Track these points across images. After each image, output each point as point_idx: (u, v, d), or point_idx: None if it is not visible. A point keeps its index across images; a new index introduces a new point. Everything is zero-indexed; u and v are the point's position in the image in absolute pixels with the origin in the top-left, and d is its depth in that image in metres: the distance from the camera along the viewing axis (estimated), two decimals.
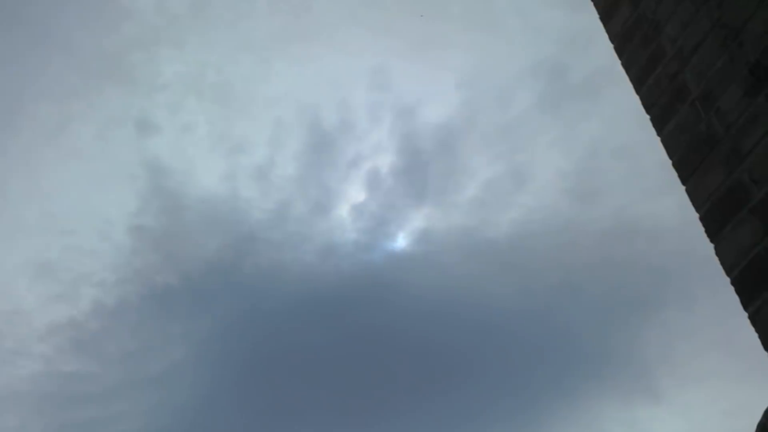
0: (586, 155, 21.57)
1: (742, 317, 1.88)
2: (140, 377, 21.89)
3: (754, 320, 1.76)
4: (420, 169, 23.48)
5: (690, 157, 1.97)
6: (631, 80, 2.17)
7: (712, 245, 1.93)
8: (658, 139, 2.14)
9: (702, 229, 1.99)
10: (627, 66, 2.18)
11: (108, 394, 21.60)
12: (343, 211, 23.53)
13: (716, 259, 1.94)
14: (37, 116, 21.91)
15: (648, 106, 2.11)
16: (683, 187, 2.03)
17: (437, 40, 21.94)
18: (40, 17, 21.15)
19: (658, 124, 2.07)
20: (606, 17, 2.26)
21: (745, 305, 1.79)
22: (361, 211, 23.35)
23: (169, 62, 22.37)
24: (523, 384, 20.90)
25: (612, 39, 2.24)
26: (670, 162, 2.09)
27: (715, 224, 1.89)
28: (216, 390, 21.94)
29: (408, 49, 22.68)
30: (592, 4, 2.37)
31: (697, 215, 1.98)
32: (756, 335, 1.82)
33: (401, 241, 23.57)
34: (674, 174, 2.07)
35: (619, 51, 2.21)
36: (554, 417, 20.30)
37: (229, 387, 22.09)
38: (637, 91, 2.14)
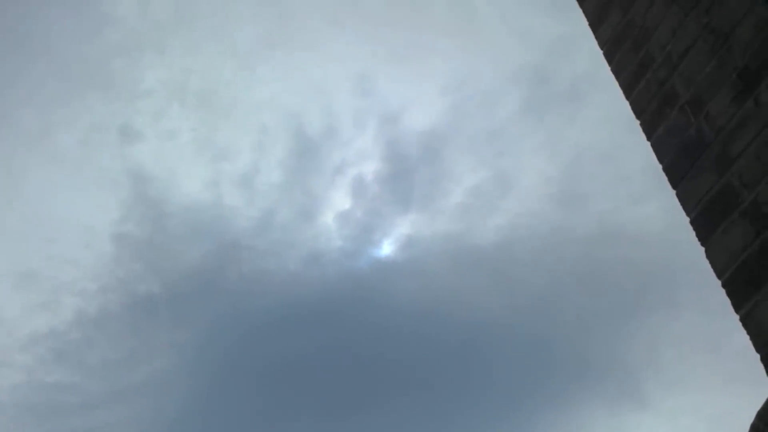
0: (570, 161, 21.70)
1: (727, 321, 1.89)
2: (123, 387, 21.71)
3: (746, 322, 1.78)
4: (405, 176, 23.51)
5: (680, 162, 1.98)
6: (621, 86, 2.18)
7: (696, 249, 1.95)
8: (642, 143, 2.15)
9: (686, 234, 2.01)
10: (617, 72, 2.19)
11: (91, 404, 21.40)
12: (328, 218, 23.48)
13: (701, 263, 1.96)
14: (18, 123, 21.73)
15: (638, 112, 2.12)
16: (667, 192, 2.05)
17: (421, 46, 22.01)
18: (21, 23, 21.00)
19: (648, 129, 2.09)
20: (596, 23, 2.27)
21: (737, 307, 1.80)
22: (346, 218, 23.33)
23: (152, 68, 22.28)
24: (508, 390, 20.93)
25: (602, 45, 2.25)
26: (653, 167, 2.11)
27: (705, 228, 1.90)
28: (200, 398, 21.80)
29: (392, 55, 22.74)
30: (575, 9, 2.39)
31: (682, 219, 2.00)
32: (743, 339, 1.83)
33: (387, 248, 23.57)
34: (658, 179, 2.09)
35: (609, 57, 2.22)
36: (541, 423, 20.34)
37: (213, 395, 21.95)
38: (627, 97, 2.16)
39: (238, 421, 21.55)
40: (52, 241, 22.26)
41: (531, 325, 20.79)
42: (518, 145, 22.17)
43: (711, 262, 1.89)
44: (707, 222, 1.89)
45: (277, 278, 22.61)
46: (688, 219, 1.98)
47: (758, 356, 1.78)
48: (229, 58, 22.85)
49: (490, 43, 21.52)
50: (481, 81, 22.10)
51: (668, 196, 2.13)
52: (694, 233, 1.97)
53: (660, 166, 2.08)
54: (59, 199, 22.62)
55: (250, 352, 22.33)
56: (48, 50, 21.30)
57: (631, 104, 2.15)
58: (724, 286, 1.84)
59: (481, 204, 22.37)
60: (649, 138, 2.09)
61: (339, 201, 23.48)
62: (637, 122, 2.16)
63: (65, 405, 21.33)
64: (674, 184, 2.01)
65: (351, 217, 23.29)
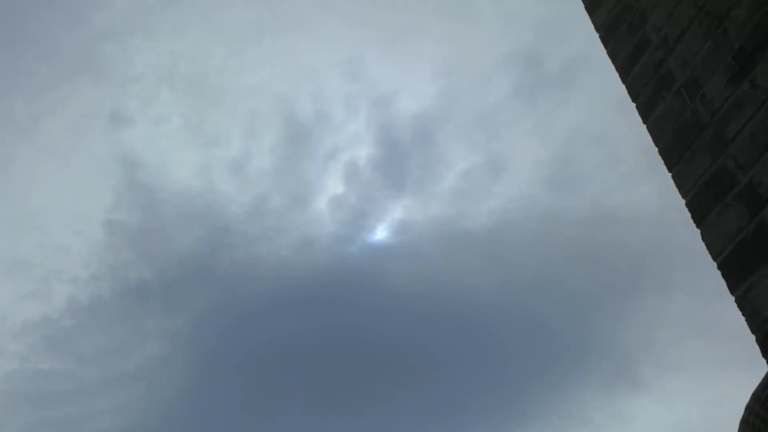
0: (562, 144, 21.71)
1: (722, 303, 1.91)
2: (116, 374, 21.72)
3: (741, 304, 1.79)
4: (398, 160, 23.47)
5: (676, 144, 1.99)
6: (617, 69, 2.18)
7: (689, 231, 1.96)
8: (634, 126, 2.16)
9: (679, 215, 2.02)
10: (613, 55, 2.20)
11: (84, 391, 21.42)
12: (321, 203, 23.45)
13: (694, 245, 1.97)
14: (8, 111, 21.57)
15: (634, 95, 2.13)
16: (659, 174, 2.06)
17: (412, 29, 21.93)
18: (9, 10, 20.79)
19: (644, 112, 2.09)
20: (592, 7, 2.27)
21: (732, 289, 1.82)
22: (339, 203, 23.30)
23: (142, 53, 22.11)
24: (505, 375, 21.04)
25: (598, 29, 2.25)
26: (646, 149, 2.12)
27: (701, 210, 1.91)
28: (193, 385, 21.84)
29: (383, 38, 22.65)
30: None
31: (674, 201, 2.01)
32: (738, 321, 1.85)
33: (380, 233, 23.57)
34: (651, 161, 2.10)
35: (605, 40, 2.23)
36: (538, 407, 20.46)
37: (206, 382, 22.00)
38: (623, 80, 2.16)
39: (232, 407, 21.62)
40: (42, 228, 22.18)
41: (525, 309, 20.87)
42: (510, 128, 22.16)
43: (706, 244, 1.90)
44: (703, 204, 1.90)
45: (269, 264, 22.61)
46: (681, 201, 1.99)
47: (753, 337, 1.80)
48: (218, 43, 22.71)
49: (481, 27, 21.46)
50: (473, 64, 22.05)
51: (661, 178, 2.14)
52: (687, 215, 1.98)
53: (654, 149, 2.09)
54: (49, 186, 22.51)
55: (243, 338, 22.37)
56: (36, 36, 21.12)
57: (627, 87, 2.15)
58: (719, 267, 1.86)
59: (474, 188, 22.39)
60: (645, 121, 2.10)
61: (332, 186, 23.45)
62: (632, 105, 2.16)
63: (58, 392, 21.35)
64: (670, 166, 2.02)
65: (344, 202, 23.27)
